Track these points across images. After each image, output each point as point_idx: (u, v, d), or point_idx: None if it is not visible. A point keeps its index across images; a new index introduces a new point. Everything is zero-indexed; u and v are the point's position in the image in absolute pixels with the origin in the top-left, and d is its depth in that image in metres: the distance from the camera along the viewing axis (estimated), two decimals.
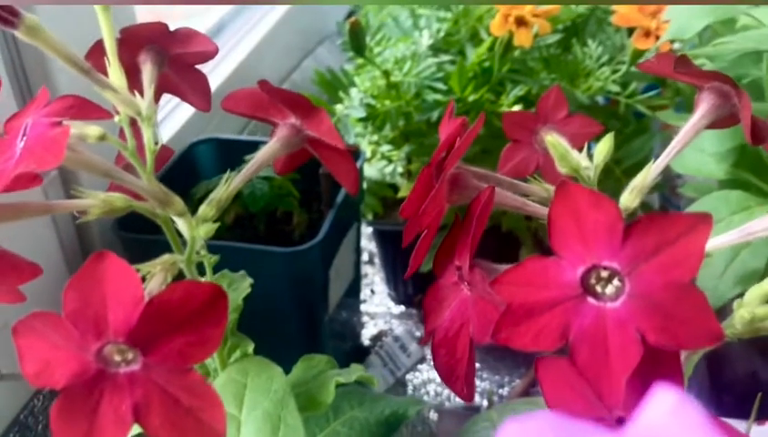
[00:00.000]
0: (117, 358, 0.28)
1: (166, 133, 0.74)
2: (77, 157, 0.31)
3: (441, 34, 0.75)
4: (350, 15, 1.28)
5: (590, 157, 0.37)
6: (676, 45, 0.68)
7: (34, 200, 0.35)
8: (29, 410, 0.59)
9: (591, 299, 0.26)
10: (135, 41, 0.40)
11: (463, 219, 0.34)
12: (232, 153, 0.59)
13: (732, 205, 0.47)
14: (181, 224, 0.39)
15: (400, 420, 0.53)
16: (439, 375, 0.34)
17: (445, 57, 0.73)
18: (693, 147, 0.56)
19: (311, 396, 0.42)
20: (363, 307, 0.87)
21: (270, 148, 0.41)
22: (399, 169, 0.79)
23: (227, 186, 0.39)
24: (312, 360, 0.46)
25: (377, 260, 0.93)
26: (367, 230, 0.90)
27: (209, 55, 0.42)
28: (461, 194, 0.35)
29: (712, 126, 0.37)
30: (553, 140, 0.37)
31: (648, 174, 0.35)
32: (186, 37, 0.42)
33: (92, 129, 0.35)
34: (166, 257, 0.34)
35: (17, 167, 0.29)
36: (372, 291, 0.90)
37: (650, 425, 0.14)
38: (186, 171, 0.70)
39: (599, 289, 0.26)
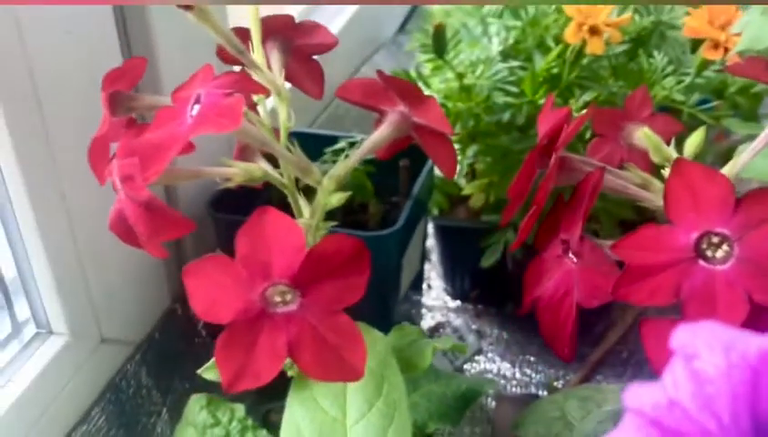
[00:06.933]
0: (277, 299, 0.32)
1: None
2: (242, 127, 0.35)
3: (510, 41, 0.79)
4: (405, 22, 1.33)
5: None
6: None
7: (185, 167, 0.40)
8: (122, 373, 0.64)
9: (702, 262, 0.30)
10: (264, 31, 0.45)
11: (570, 198, 0.38)
12: (301, 145, 0.63)
13: None
14: (302, 200, 0.43)
15: (476, 395, 0.57)
16: (543, 338, 0.38)
17: (514, 63, 0.77)
18: (761, 152, 0.59)
19: (408, 360, 0.46)
20: (421, 300, 0.91)
21: (382, 133, 0.45)
22: (464, 170, 0.83)
23: (346, 162, 0.43)
24: (404, 329, 0.49)
25: (433, 257, 0.97)
26: None
27: (330, 46, 0.46)
28: (567, 176, 0.39)
29: None
30: (647, 133, 0.41)
31: (735, 166, 0.38)
32: (309, 29, 0.46)
33: None
34: (302, 219, 0.38)
35: (193, 131, 0.33)
36: (429, 286, 0.94)
37: None
38: None
39: (709, 253, 0.30)
